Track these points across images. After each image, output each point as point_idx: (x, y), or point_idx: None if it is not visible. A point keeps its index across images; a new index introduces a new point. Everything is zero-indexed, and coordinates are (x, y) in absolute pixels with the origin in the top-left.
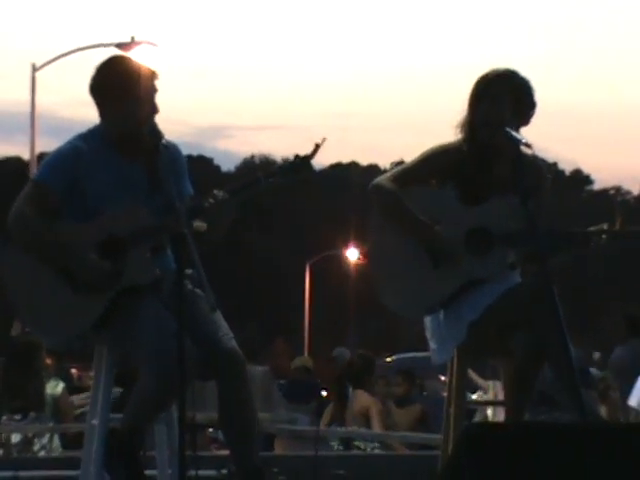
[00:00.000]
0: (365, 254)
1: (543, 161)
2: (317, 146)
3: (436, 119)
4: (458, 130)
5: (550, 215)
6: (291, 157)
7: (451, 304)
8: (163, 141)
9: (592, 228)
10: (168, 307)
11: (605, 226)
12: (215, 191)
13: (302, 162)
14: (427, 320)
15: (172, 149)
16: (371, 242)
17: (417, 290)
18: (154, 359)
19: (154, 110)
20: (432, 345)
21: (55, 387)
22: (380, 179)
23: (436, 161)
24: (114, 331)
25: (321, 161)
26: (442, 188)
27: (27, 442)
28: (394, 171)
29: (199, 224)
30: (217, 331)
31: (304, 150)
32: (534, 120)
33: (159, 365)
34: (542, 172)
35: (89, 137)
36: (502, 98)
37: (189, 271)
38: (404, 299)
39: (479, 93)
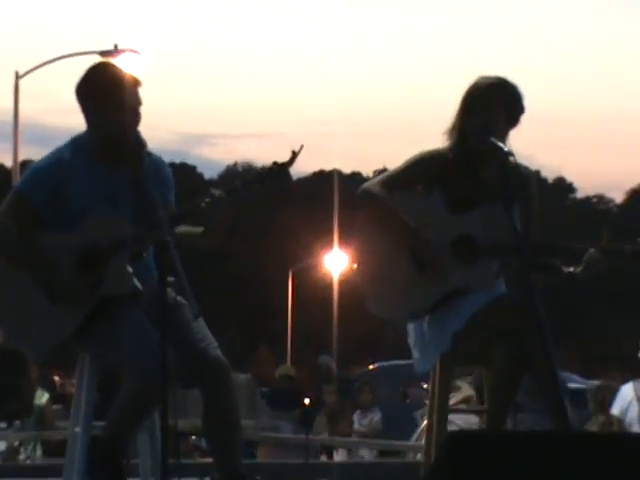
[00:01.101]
0: (351, 259)
1: (528, 169)
2: (294, 153)
3: (419, 127)
4: (446, 137)
5: (537, 225)
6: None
7: (436, 312)
8: (146, 149)
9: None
10: (149, 315)
11: (591, 242)
12: (212, 190)
13: (280, 170)
14: (410, 328)
15: (156, 159)
16: (357, 247)
17: (402, 296)
18: (136, 366)
19: (138, 118)
20: (415, 354)
21: (41, 397)
22: (369, 184)
23: (422, 167)
24: (95, 339)
25: (304, 168)
26: (429, 195)
27: (13, 451)
28: (381, 177)
29: (194, 229)
30: (201, 339)
31: (287, 158)
32: (518, 127)
33: (141, 372)
34: (530, 181)
35: (72, 145)
36: (496, 108)
37: (171, 279)
38: (389, 304)
39: (472, 102)
